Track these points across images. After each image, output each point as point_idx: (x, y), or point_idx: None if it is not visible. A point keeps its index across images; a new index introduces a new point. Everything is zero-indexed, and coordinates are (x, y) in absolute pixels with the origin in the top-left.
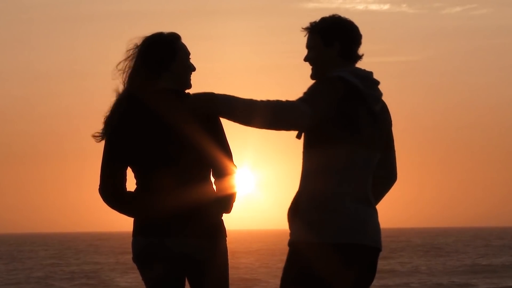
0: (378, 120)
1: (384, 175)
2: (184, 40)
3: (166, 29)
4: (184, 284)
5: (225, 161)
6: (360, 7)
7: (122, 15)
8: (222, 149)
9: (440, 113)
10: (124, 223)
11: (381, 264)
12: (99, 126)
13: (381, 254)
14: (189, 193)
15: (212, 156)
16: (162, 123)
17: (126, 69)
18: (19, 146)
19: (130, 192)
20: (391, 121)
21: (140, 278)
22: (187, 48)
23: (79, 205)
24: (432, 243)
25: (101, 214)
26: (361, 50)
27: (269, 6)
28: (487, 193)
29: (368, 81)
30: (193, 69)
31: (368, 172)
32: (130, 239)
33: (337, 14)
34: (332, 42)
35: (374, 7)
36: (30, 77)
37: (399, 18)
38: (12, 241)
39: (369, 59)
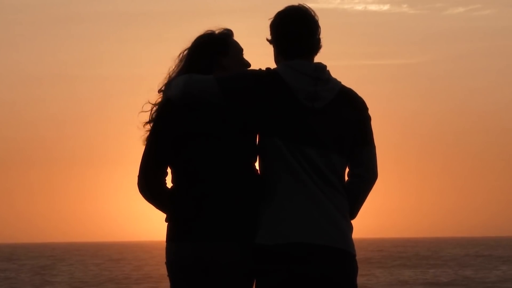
0: (322, 116)
1: (360, 173)
2: (180, 42)
3: (159, 30)
4: None
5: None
6: (359, 7)
7: (113, 17)
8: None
9: (442, 116)
10: (114, 233)
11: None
12: (92, 129)
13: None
14: (226, 195)
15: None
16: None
17: (172, 74)
18: (5, 152)
19: (169, 189)
20: (356, 118)
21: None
22: (239, 44)
23: (66, 214)
24: (419, 254)
25: (89, 223)
26: (358, 51)
27: (267, 7)
28: (486, 201)
29: (306, 77)
30: (248, 65)
31: (306, 170)
32: (117, 249)
33: (287, 7)
34: (271, 40)
35: (373, 7)
36: (17, 80)
37: (400, 19)
38: None
39: (369, 61)
